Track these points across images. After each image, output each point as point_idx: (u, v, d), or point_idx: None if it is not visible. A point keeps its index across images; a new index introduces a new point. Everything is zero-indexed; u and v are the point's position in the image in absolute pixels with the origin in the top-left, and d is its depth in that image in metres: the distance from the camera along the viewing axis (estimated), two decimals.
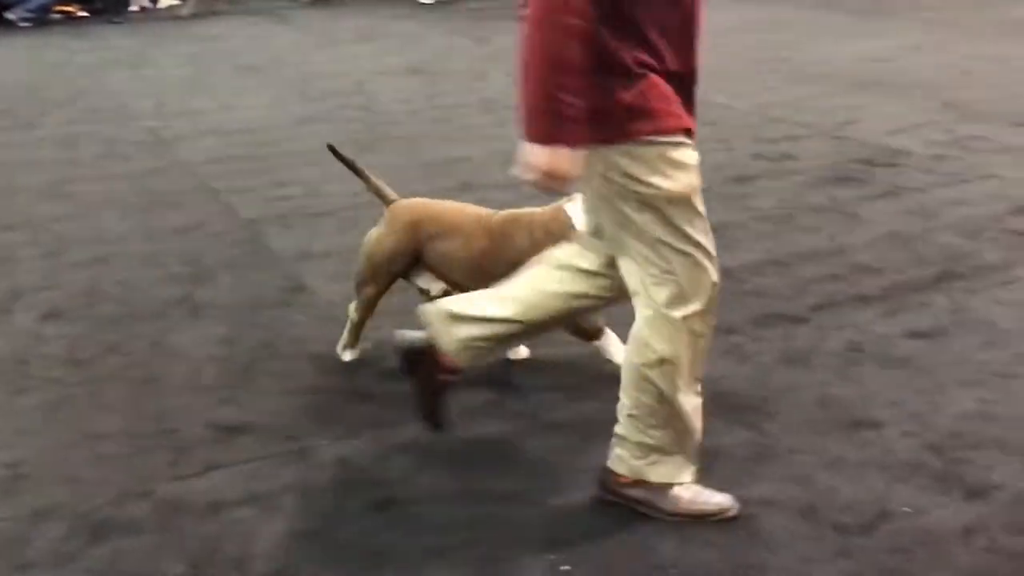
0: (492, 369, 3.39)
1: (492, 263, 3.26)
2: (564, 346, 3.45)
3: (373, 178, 3.68)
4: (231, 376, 3.53)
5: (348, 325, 3.58)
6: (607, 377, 2.97)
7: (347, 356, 3.60)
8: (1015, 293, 3.88)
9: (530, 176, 2.35)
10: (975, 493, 2.66)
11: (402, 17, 11.46)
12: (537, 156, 2.30)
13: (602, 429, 2.68)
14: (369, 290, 3.49)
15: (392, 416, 3.17)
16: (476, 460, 2.94)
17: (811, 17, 10.42)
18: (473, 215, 3.45)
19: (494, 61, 8.89)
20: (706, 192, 5.19)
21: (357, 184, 5.47)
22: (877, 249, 4.37)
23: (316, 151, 6.21)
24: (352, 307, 3.57)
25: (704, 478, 2.65)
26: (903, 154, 5.65)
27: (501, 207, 5.04)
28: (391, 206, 3.59)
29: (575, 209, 3.16)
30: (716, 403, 3.19)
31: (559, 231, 3.18)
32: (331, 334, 3.80)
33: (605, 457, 2.64)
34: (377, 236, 3.51)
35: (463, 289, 3.31)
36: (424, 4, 12.40)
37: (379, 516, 2.68)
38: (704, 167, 5.65)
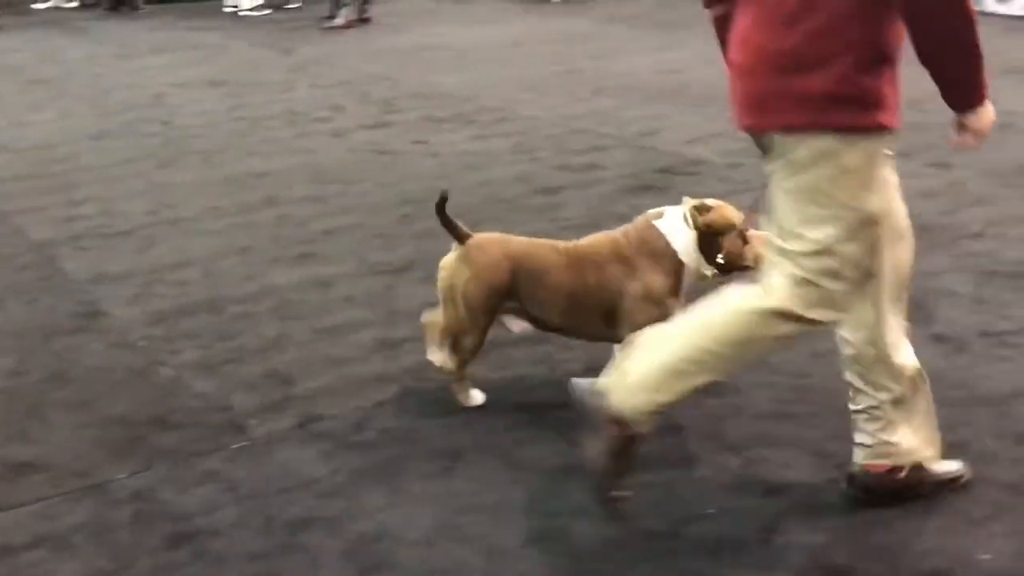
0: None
1: (587, 297, 3.09)
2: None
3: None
4: (20, 410, 3.33)
5: (452, 379, 3.25)
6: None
7: (478, 399, 3.27)
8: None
9: (976, 141, 2.47)
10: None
11: (203, 28, 11.14)
12: (986, 115, 2.42)
13: (405, 449, 2.65)
14: (469, 340, 3.17)
15: (193, 446, 3.06)
16: (274, 488, 2.86)
17: (609, 30, 10.70)
18: (557, 249, 3.20)
19: (299, 72, 8.75)
20: (513, 203, 5.28)
21: (154, 202, 5.34)
22: None
23: (111, 167, 6.00)
24: (438, 358, 3.25)
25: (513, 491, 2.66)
26: (701, 163, 5.85)
27: (303, 222, 5.00)
28: (468, 243, 3.26)
29: (669, 224, 3.07)
30: (527, 411, 3.24)
31: (653, 250, 3.07)
32: (128, 360, 3.65)
33: (415, 480, 2.62)
34: (467, 280, 3.16)
35: (556, 328, 3.19)
36: (229, 14, 12.10)
37: (178, 551, 2.58)
38: (510, 179, 5.76)
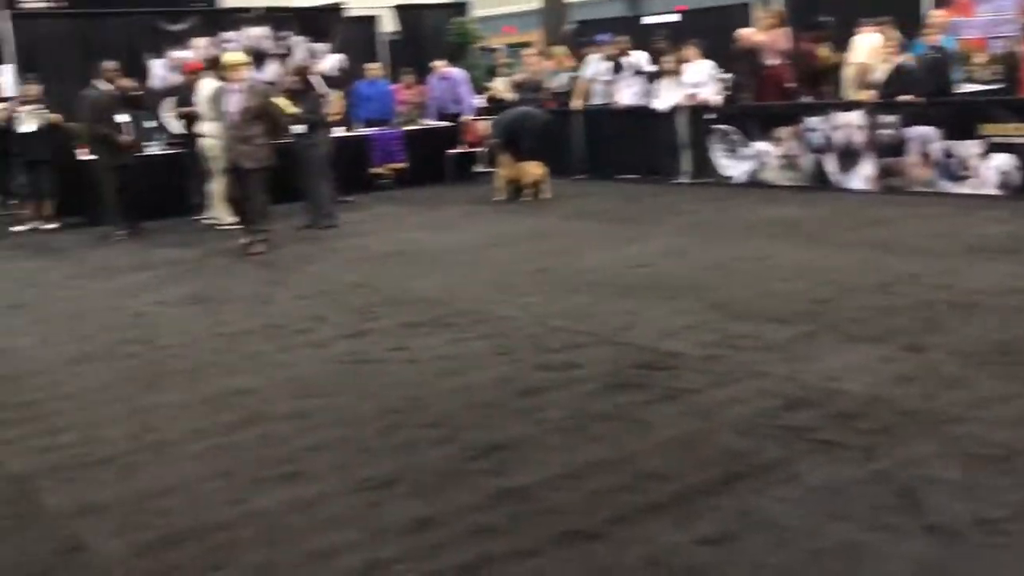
0: None
1: None
2: None
3: None
4: None
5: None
6: None
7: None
8: (796, 490, 4.05)
9: None
10: None
11: (182, 244, 11.34)
12: None
13: None
14: None
15: None
16: None
17: (578, 227, 10.98)
18: None
19: (279, 285, 8.86)
20: (495, 407, 5.29)
21: (136, 426, 5.31)
22: (663, 455, 4.50)
23: (91, 392, 5.98)
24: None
25: None
26: (678, 356, 5.91)
27: (286, 439, 4.98)
28: None
29: None
30: None
31: None
32: None
33: None
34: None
35: None
36: (206, 227, 12.33)
37: None
38: (490, 382, 5.78)
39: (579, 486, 4.24)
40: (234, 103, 10.37)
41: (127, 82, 12.71)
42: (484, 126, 14.18)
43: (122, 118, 12.27)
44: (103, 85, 12.05)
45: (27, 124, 13.05)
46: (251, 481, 4.52)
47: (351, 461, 4.70)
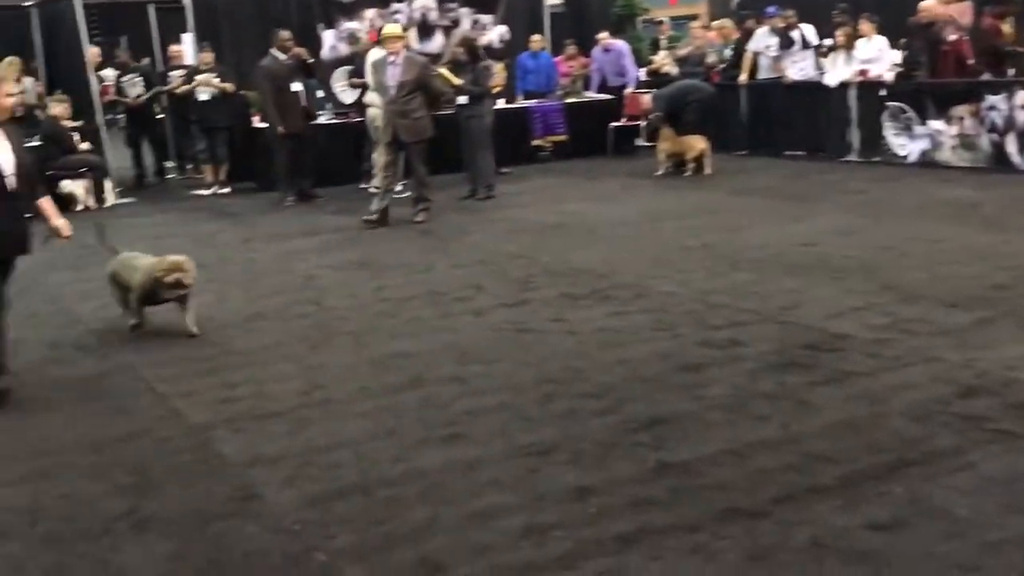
0: None
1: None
2: None
3: None
4: None
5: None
6: None
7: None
8: (970, 480, 3.90)
9: None
10: None
11: (348, 211, 11.63)
12: None
13: None
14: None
15: None
16: None
17: (742, 204, 10.77)
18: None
19: (440, 253, 9.01)
20: (656, 382, 5.26)
21: (306, 383, 5.49)
22: (831, 437, 4.39)
23: (263, 349, 6.22)
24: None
25: None
26: (846, 338, 5.75)
27: (447, 403, 5.07)
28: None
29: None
30: None
31: None
32: (284, 545, 3.70)
33: None
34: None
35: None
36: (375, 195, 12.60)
37: None
38: (651, 356, 5.74)
39: (742, 464, 4.19)
40: (392, 75, 10.52)
41: (302, 51, 13.05)
42: (647, 99, 14.01)
43: (297, 87, 12.64)
44: (279, 54, 12.42)
45: (204, 92, 13.61)
46: (414, 441, 4.63)
47: (511, 427, 4.76)
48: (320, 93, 14.18)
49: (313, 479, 4.27)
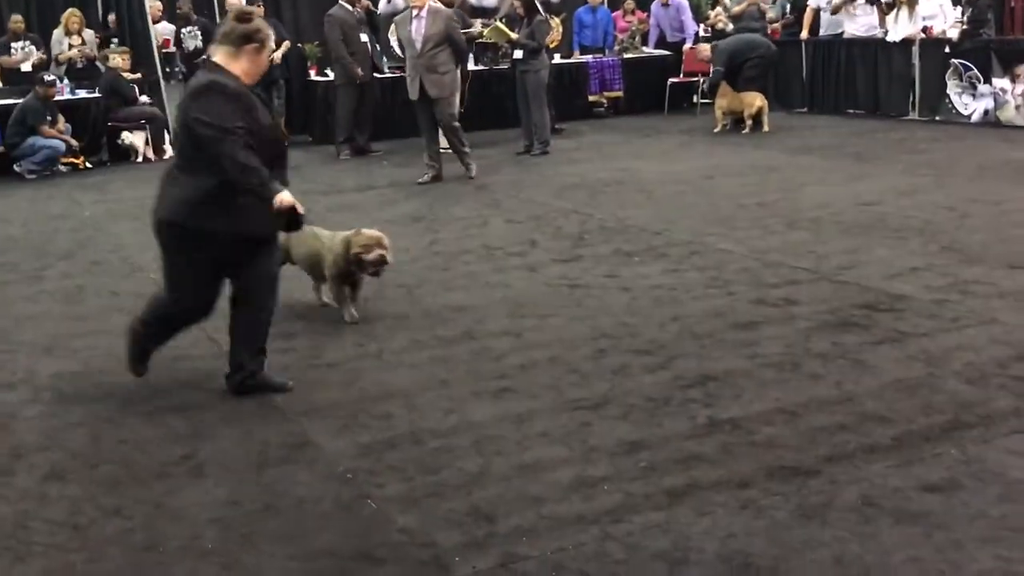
0: None
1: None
2: None
3: None
4: (234, 539, 3.47)
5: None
6: None
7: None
8: None
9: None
10: None
11: (403, 165, 11.65)
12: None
13: None
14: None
15: None
16: None
17: (800, 162, 10.62)
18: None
19: (494, 208, 9.01)
20: (709, 339, 5.24)
21: (359, 335, 5.54)
22: (885, 397, 4.35)
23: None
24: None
25: None
26: (904, 299, 5.67)
27: (500, 356, 5.08)
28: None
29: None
30: (733, 561, 3.15)
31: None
32: (336, 492, 3.76)
33: None
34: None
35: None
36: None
37: None
38: (705, 313, 5.72)
39: (794, 422, 4.16)
40: (416, 29, 10.16)
41: (367, 3, 13.02)
42: (706, 52, 13.78)
43: (364, 38, 12.60)
44: (347, 5, 12.37)
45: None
46: (466, 393, 4.66)
47: (562, 381, 4.76)
48: (377, 47, 14.17)
49: (365, 428, 4.32)
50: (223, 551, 3.40)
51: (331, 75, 13.08)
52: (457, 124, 10.58)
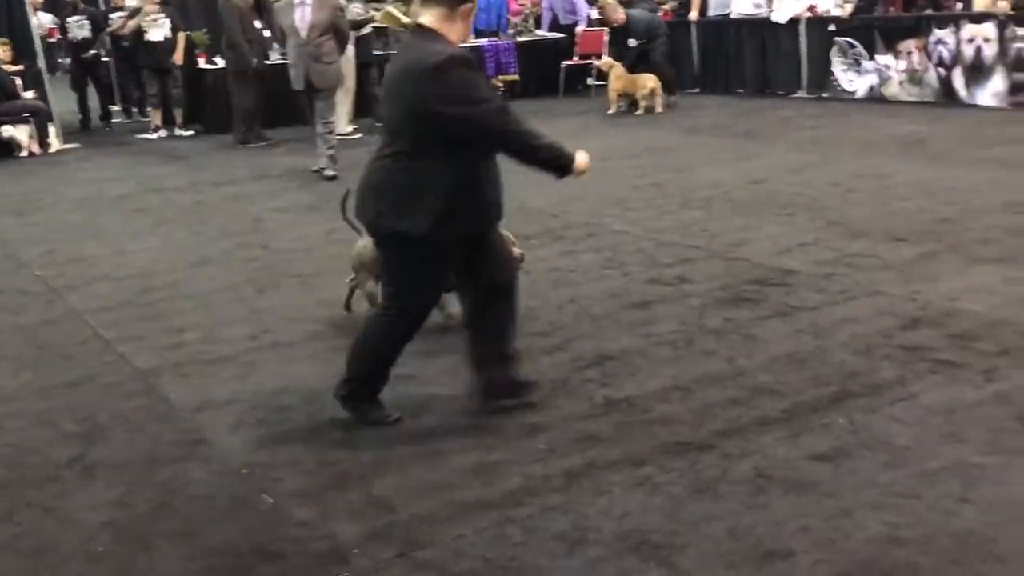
0: None
1: None
2: None
3: None
4: (127, 542, 3.39)
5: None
6: None
7: None
8: (911, 410, 3.97)
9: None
10: None
11: (299, 153, 11.49)
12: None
13: None
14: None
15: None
16: None
17: (693, 142, 10.78)
18: None
19: None
20: (605, 319, 5.28)
21: (254, 327, 5.46)
22: (775, 370, 4.45)
23: (211, 293, 6.17)
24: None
25: None
26: (793, 273, 5.80)
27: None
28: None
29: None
30: (630, 539, 3.19)
31: None
32: (232, 488, 3.70)
33: None
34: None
35: None
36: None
37: None
38: (601, 294, 5.76)
39: (688, 398, 4.23)
40: (301, 16, 9.69)
41: None
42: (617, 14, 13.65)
43: (259, 25, 12.37)
44: None
45: (154, 33, 13.24)
46: None
47: (462, 367, 4.75)
48: (267, 33, 13.92)
49: (261, 423, 4.26)
50: (116, 554, 3.32)
51: (220, 63, 12.83)
52: (332, 120, 10.17)
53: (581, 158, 3.90)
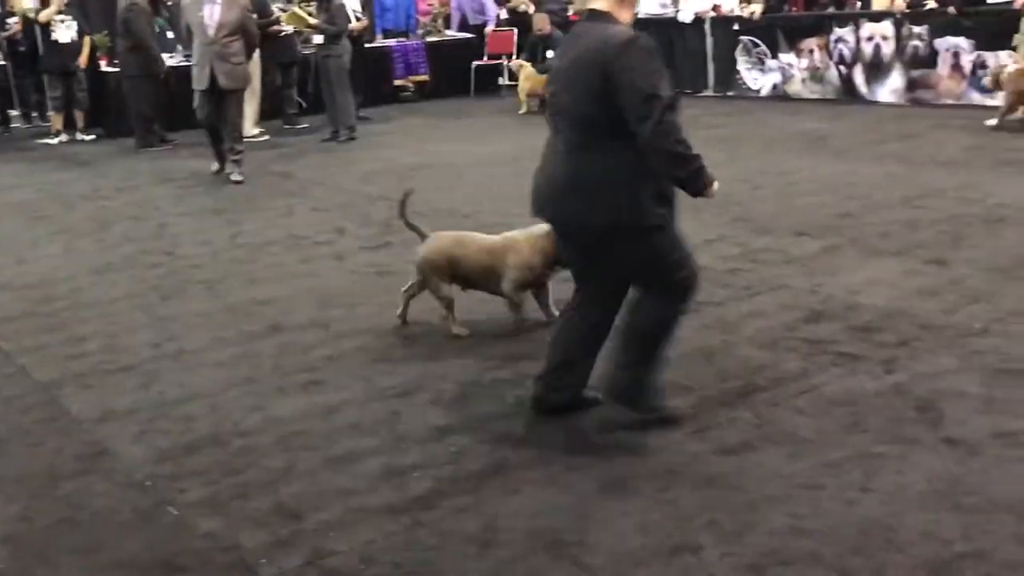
0: None
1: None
2: None
3: None
4: (27, 557, 3.29)
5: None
6: None
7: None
8: (814, 402, 4.05)
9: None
10: None
11: (204, 156, 11.30)
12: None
13: None
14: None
15: None
16: None
17: None
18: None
19: (300, 197, 8.85)
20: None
21: (158, 335, 5.35)
22: (683, 366, 4.49)
23: (114, 301, 6.03)
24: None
25: None
26: (700, 270, 5.85)
27: (307, 349, 5.00)
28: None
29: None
30: (541, 538, 3.20)
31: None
32: (135, 501, 3.62)
33: None
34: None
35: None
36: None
37: None
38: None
39: None
40: (210, 14, 9.48)
41: None
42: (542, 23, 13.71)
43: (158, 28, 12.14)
44: None
45: (61, 34, 12.85)
46: (272, 389, 4.56)
47: (372, 370, 4.73)
48: (170, 34, 13.69)
49: (165, 433, 4.17)
50: (16, 570, 3.22)
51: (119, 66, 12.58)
52: (240, 121, 10.04)
53: (716, 185, 3.75)
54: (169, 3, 13.64)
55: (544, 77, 12.93)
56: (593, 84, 3.60)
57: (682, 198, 3.81)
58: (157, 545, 3.32)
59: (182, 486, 3.70)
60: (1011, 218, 6.36)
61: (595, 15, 3.77)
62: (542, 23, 13.71)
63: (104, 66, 13.35)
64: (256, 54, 11.46)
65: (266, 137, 12.33)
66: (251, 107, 12.06)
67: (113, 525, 3.47)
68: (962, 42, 11.08)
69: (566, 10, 14.81)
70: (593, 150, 3.69)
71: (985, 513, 3.14)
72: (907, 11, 11.68)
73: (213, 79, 9.51)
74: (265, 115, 12.79)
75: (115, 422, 4.31)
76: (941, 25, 11.25)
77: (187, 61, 12.96)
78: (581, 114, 3.70)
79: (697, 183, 3.67)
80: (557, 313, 4.99)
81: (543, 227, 4.94)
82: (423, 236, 5.20)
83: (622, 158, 3.63)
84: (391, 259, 6.60)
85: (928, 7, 11.44)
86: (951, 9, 11.14)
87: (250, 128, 11.96)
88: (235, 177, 9.68)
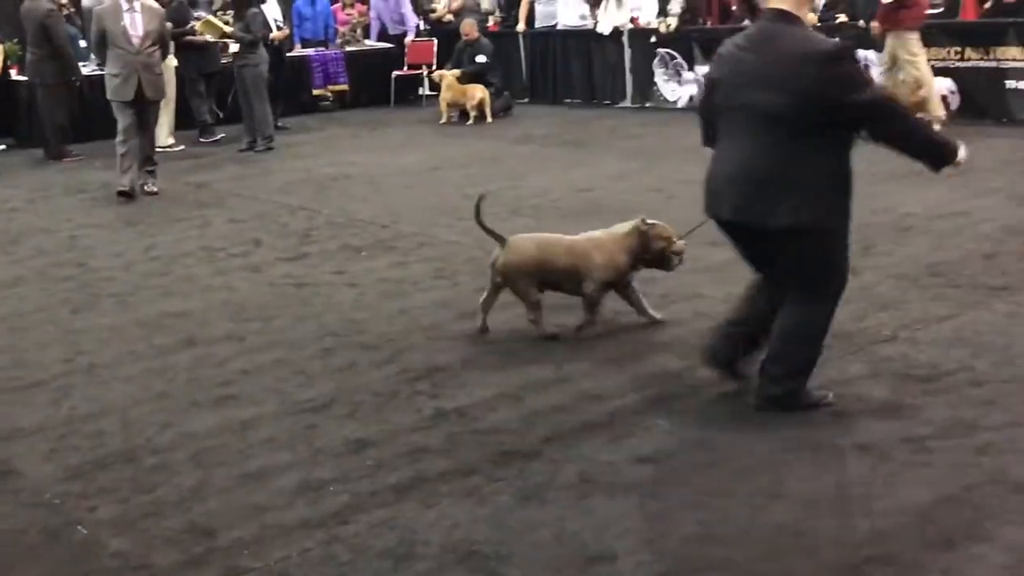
0: None
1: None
2: None
3: None
4: None
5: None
6: None
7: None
8: (729, 410, 4.11)
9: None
10: None
11: (110, 168, 11.08)
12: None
13: None
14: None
15: None
16: None
17: (522, 151, 10.91)
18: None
19: (216, 207, 8.74)
20: (435, 330, 5.26)
21: (68, 350, 5.23)
22: (600, 375, 4.53)
23: (23, 315, 5.88)
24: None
25: None
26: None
27: (222, 362, 4.92)
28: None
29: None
30: (458, 550, 3.19)
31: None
32: (43, 520, 3.53)
33: None
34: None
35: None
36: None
37: None
38: (432, 305, 5.74)
39: (516, 406, 4.27)
40: (133, 24, 9.24)
41: None
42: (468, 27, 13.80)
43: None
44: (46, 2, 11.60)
45: None
46: (185, 404, 4.49)
47: (287, 384, 4.68)
48: (83, 43, 13.41)
49: (75, 450, 4.08)
50: None
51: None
52: (155, 132, 9.84)
53: (964, 152, 3.76)
54: (72, 11, 13.35)
55: (468, 87, 12.98)
56: (794, 88, 3.66)
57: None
58: (65, 566, 3.25)
59: (92, 504, 3.62)
60: (917, 227, 6.53)
61: (779, 15, 3.82)
62: (469, 28, 13.77)
63: (14, 75, 13.01)
64: (172, 63, 11.31)
65: (181, 147, 12.14)
66: (166, 117, 11.86)
67: (20, 547, 3.39)
68: (872, 55, 11.33)
69: (486, 20, 14.88)
70: (782, 150, 3.77)
71: (893, 517, 3.22)
72: (818, 25, 11.92)
73: (139, 90, 9.28)
74: (180, 125, 12.59)
75: (23, 439, 4.21)
76: (852, 38, 11.50)
77: (100, 70, 12.79)
78: (776, 114, 3.74)
79: (945, 148, 3.76)
80: (659, 316, 5.15)
81: (625, 225, 5.06)
82: (502, 241, 5.13)
83: (809, 160, 3.74)
84: (308, 270, 6.55)
85: (839, 20, 11.68)
86: (863, 23, 11.39)
87: (165, 138, 11.77)
88: (149, 187, 9.49)
